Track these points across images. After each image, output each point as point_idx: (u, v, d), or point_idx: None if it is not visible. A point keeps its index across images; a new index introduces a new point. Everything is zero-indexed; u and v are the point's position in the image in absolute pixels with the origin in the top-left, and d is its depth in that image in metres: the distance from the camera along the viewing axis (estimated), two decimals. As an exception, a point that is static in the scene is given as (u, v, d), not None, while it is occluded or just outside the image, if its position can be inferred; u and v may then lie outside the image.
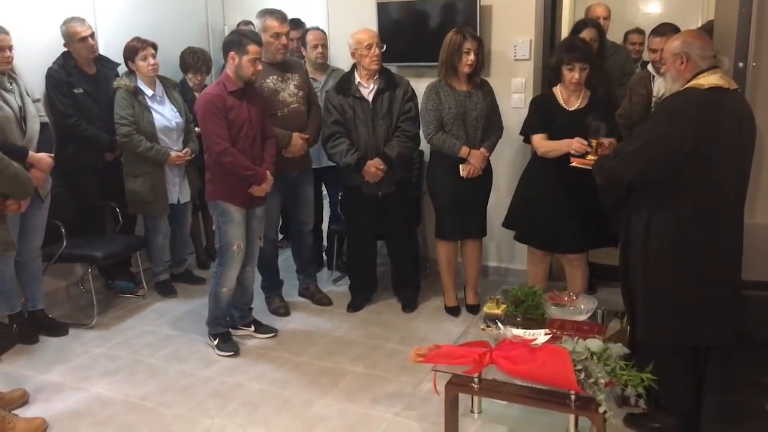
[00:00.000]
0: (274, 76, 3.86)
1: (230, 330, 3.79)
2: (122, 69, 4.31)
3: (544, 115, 3.54)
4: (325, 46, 4.46)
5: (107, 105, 4.13)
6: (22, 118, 3.49)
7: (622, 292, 2.82)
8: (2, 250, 2.90)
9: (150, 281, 4.58)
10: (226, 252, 3.60)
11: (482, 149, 3.81)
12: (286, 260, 4.60)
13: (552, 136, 3.48)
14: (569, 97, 3.50)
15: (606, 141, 3.21)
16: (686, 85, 2.55)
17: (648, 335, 2.65)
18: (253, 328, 3.87)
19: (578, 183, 3.28)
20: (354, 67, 3.92)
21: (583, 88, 3.48)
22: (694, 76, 2.55)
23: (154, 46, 4.20)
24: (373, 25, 4.38)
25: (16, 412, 3.04)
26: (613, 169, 2.71)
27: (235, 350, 3.66)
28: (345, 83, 3.91)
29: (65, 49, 4.09)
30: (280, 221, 4.38)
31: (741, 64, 3.01)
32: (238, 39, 3.46)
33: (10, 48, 3.46)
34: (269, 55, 3.80)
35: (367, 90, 3.87)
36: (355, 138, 3.88)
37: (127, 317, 4.19)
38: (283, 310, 4.18)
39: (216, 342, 3.69)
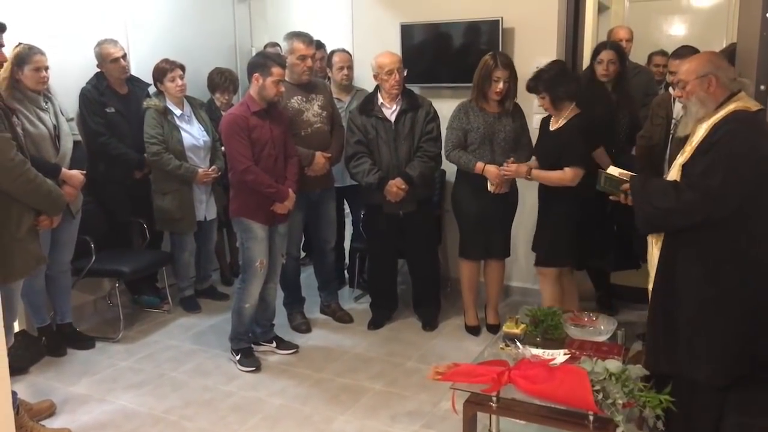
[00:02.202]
0: (299, 97, 3.93)
1: (252, 346, 3.84)
2: (152, 89, 4.42)
3: (537, 137, 3.80)
4: (350, 67, 4.53)
5: (138, 124, 4.23)
6: (56, 136, 3.57)
7: (654, 319, 2.64)
8: (33, 264, 2.96)
9: (175, 296, 4.65)
10: (249, 268, 3.66)
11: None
12: (308, 277, 4.65)
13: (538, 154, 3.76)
14: (554, 119, 3.66)
15: (512, 166, 3.67)
16: (728, 109, 2.42)
17: (702, 373, 2.51)
18: (274, 344, 3.91)
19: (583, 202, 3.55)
20: (377, 87, 3.98)
21: (557, 112, 3.58)
22: (728, 99, 2.44)
23: (182, 68, 4.31)
24: (396, 47, 4.45)
25: (43, 422, 3.10)
26: (695, 203, 2.41)
27: (256, 366, 3.70)
28: (368, 104, 3.97)
29: (98, 70, 4.21)
30: (303, 239, 4.42)
31: (762, 87, 3.01)
32: (263, 61, 3.54)
33: (46, 68, 3.56)
34: (294, 76, 3.88)
35: (390, 111, 3.92)
36: (378, 158, 3.93)
37: (153, 332, 4.26)
38: (304, 326, 4.22)
39: (238, 357, 3.74)
